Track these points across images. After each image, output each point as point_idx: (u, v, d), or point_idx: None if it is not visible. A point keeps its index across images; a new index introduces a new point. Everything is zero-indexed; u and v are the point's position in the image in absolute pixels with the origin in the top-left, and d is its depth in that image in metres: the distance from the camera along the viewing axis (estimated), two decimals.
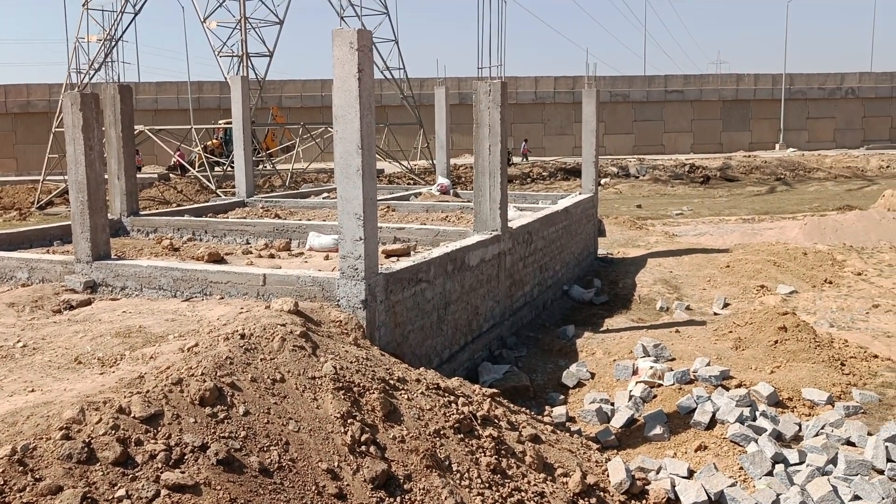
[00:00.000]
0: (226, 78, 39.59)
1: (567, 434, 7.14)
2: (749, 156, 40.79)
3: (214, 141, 38.58)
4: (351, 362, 5.98)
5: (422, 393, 6.07)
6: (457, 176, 36.96)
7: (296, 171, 33.22)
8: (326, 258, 10.42)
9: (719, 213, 24.43)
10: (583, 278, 14.39)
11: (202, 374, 5.17)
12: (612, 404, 8.29)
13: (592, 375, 9.16)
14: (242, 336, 5.79)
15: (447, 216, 13.30)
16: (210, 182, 29.91)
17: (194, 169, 34.01)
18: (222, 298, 7.61)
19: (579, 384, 9.03)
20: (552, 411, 8.19)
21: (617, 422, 7.84)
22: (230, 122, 38.67)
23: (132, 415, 4.70)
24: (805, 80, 54.21)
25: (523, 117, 52.10)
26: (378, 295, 7.16)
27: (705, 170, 36.83)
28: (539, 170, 37.95)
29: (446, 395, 6.24)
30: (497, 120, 10.08)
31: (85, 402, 4.72)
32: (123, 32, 32.79)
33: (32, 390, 5.21)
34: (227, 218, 13.85)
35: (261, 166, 33.73)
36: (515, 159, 42.65)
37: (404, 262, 7.86)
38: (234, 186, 32.87)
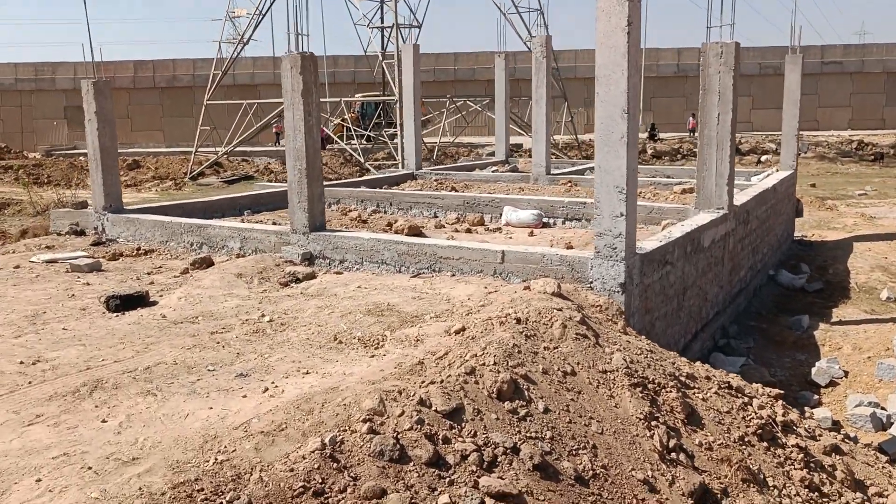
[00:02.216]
0: (365, 51, 39.66)
1: (856, 444, 6.16)
2: None
3: (351, 115, 38.76)
4: (637, 354, 5.25)
5: (715, 393, 5.28)
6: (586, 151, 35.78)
7: (442, 145, 32.68)
8: (531, 234, 9.74)
9: None
10: (786, 263, 13.09)
11: (494, 363, 4.57)
12: (884, 409, 7.22)
13: (846, 374, 8.07)
14: (518, 321, 5.16)
15: (641, 192, 12.33)
16: (358, 154, 29.92)
17: (336, 142, 34.28)
18: (454, 275, 7.05)
19: (831, 383, 7.97)
20: (812, 413, 7.20)
21: None
22: (367, 96, 38.90)
23: (433, 408, 4.15)
24: None
25: (664, 91, 49.72)
26: (635, 277, 6.39)
27: (875, 147, 33.77)
28: (689, 146, 35.97)
29: (739, 395, 5.42)
30: (728, 86, 9.03)
31: (381, 391, 4.21)
32: (271, 5, 33.22)
33: (308, 372, 4.77)
34: (404, 190, 13.43)
35: (396, 139, 33.47)
36: (662, 135, 40.71)
37: (652, 242, 7.04)
38: (377, 160, 32.95)
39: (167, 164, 34.59)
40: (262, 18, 33.01)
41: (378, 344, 5.27)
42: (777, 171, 14.53)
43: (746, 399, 5.41)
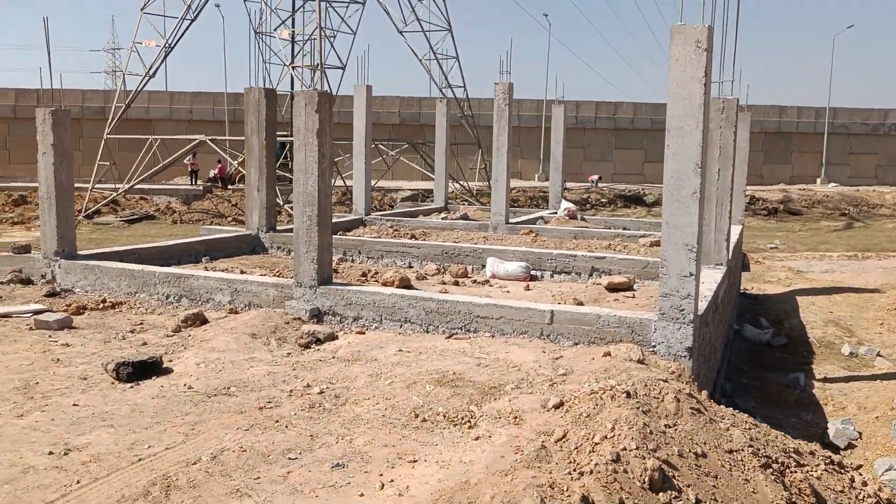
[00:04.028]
0: (274, 89, 38.53)
1: None
2: (804, 189, 39.92)
3: None
4: (749, 429, 4.86)
5: (825, 470, 4.95)
6: (514, 199, 35.99)
7: (349, 188, 31.82)
8: (527, 288, 9.30)
9: (815, 248, 23.40)
10: (742, 316, 13.29)
11: (636, 448, 4.04)
12: None
13: (860, 434, 8.03)
14: (628, 395, 4.66)
15: (610, 244, 12.21)
16: (278, 196, 28.62)
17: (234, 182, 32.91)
18: (493, 336, 6.48)
19: (849, 445, 7.90)
20: None
21: None
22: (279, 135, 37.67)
23: None
24: (848, 115, 53.40)
25: (566, 143, 51.24)
26: (697, 340, 6.05)
27: (766, 202, 35.90)
28: (597, 196, 36.96)
29: (842, 470, 5.12)
30: (729, 141, 9.06)
31: (532, 486, 3.59)
32: (178, 39, 31.85)
33: (415, 460, 4.07)
34: (362, 237, 12.72)
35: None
36: (569, 185, 41.65)
37: (700, 303, 6.74)
38: (289, 201, 31.70)
39: None
40: (171, 51, 31.55)
41: (470, 422, 4.62)
42: None
43: (850, 475, 5.12)
